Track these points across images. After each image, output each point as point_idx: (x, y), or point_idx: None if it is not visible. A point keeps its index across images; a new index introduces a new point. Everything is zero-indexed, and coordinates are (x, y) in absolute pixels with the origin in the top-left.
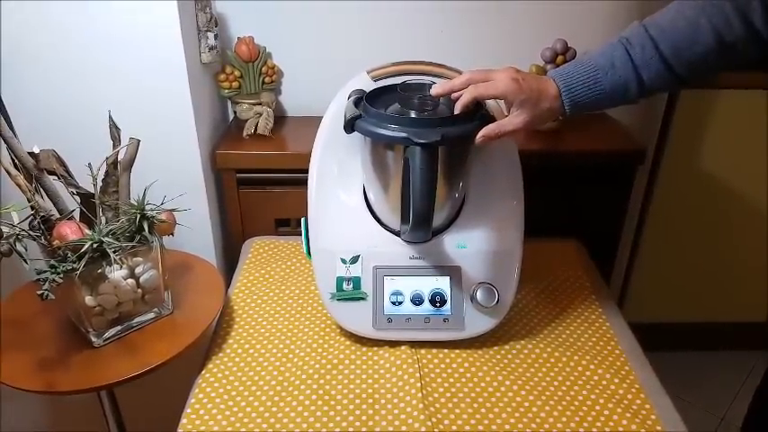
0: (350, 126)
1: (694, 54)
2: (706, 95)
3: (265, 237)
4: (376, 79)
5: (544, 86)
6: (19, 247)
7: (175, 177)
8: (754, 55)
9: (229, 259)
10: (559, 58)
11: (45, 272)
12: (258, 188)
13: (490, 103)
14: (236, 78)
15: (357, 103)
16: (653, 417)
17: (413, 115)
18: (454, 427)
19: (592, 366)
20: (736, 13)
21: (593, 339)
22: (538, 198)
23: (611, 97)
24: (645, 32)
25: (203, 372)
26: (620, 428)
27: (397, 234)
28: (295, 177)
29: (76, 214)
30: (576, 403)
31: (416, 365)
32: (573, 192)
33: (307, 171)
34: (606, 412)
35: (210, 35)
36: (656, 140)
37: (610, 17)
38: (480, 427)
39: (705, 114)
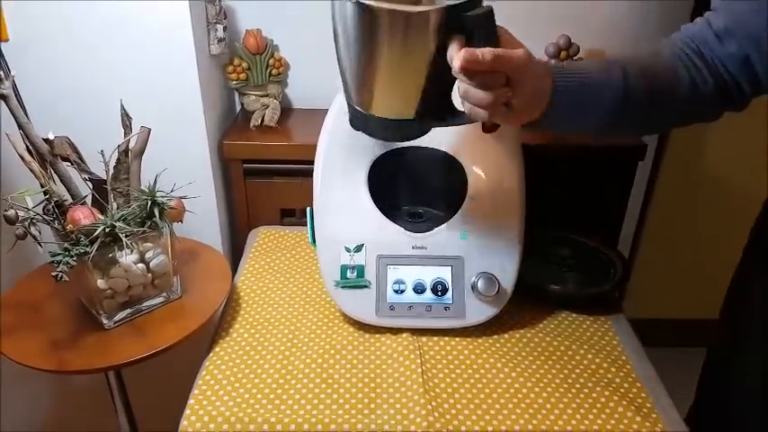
0: None
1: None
2: None
3: (271, 226)
4: None
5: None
6: (33, 230)
7: (184, 166)
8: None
9: (235, 247)
10: (563, 54)
11: (59, 255)
12: (264, 178)
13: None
14: (243, 70)
15: None
16: (654, 414)
17: None
18: (453, 411)
19: (589, 356)
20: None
21: (592, 329)
22: (538, 190)
23: (597, 86)
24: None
25: (210, 355)
26: (619, 416)
27: (401, 225)
28: (300, 168)
29: (89, 200)
30: (574, 390)
31: (417, 352)
32: (573, 185)
33: (312, 162)
34: (602, 399)
35: (219, 27)
36: (657, 136)
37: (613, 12)
38: (479, 412)
39: None
